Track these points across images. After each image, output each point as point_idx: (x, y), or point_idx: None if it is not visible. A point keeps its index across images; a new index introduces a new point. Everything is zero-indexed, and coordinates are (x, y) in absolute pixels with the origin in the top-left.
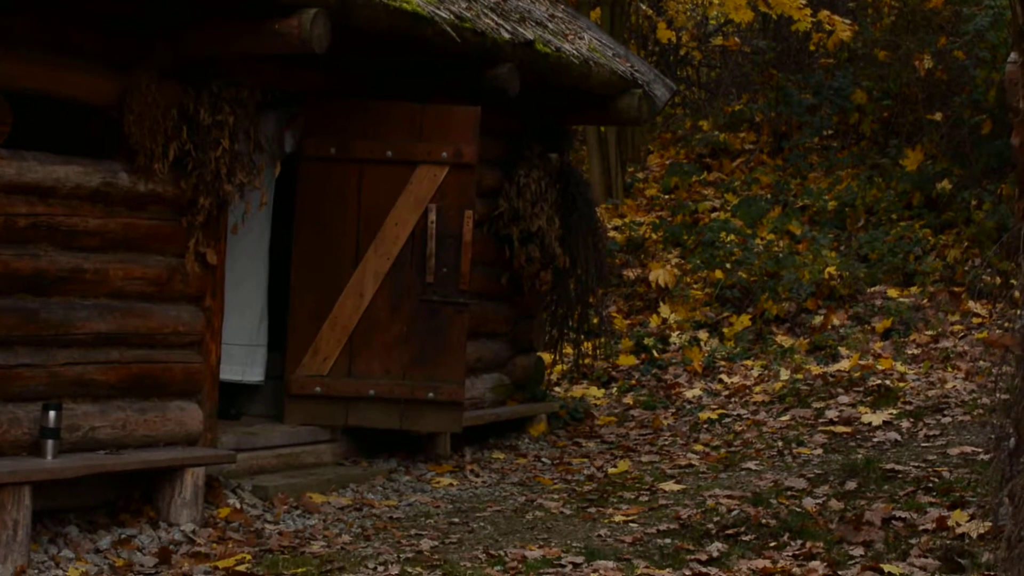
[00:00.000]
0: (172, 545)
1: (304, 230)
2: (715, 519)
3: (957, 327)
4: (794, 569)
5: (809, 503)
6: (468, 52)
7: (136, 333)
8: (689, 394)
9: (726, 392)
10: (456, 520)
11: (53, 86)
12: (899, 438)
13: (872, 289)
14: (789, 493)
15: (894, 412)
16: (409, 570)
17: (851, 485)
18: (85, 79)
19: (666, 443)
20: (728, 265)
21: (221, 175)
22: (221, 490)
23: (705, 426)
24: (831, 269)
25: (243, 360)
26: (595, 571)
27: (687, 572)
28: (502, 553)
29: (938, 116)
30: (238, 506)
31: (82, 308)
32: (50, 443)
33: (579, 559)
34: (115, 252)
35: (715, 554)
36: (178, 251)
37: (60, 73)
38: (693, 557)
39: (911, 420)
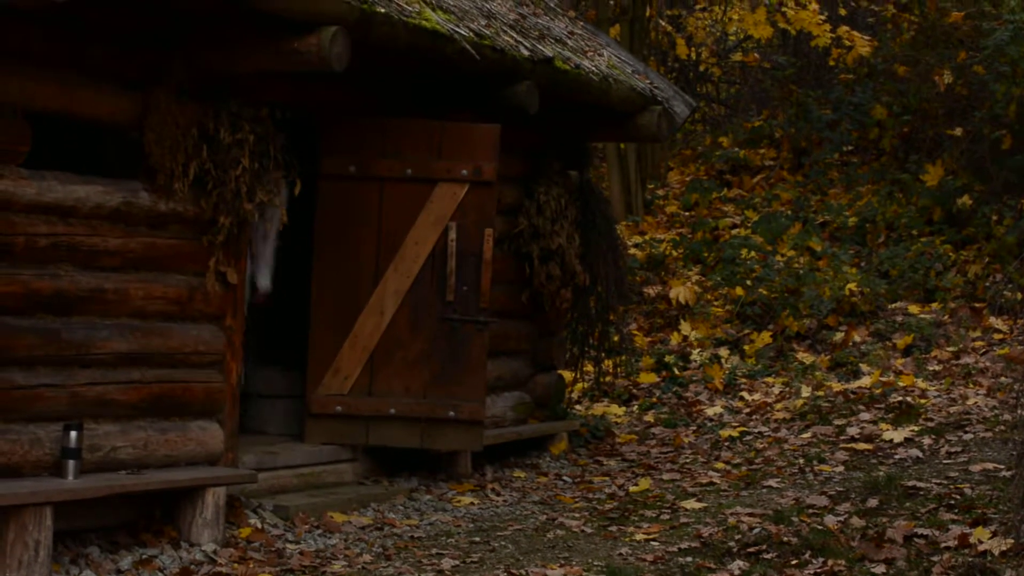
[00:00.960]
0: (193, 565)
1: (324, 248)
2: (736, 537)
3: (978, 343)
4: None
5: (831, 521)
6: (487, 69)
7: (157, 353)
8: (710, 412)
9: (747, 409)
10: (477, 539)
11: (72, 106)
12: (921, 455)
13: (893, 305)
14: (810, 511)
15: (915, 429)
16: None
17: (873, 502)
18: (104, 98)
19: (687, 461)
20: (748, 282)
21: (241, 194)
22: (242, 510)
23: (726, 444)
24: (852, 285)
25: None
26: None
27: None
28: (523, 572)
29: (958, 131)
30: (259, 526)
31: (103, 328)
32: (71, 463)
33: None
34: (136, 272)
35: (736, 572)
36: (199, 270)
37: (79, 92)
38: (714, 575)
39: (933, 437)
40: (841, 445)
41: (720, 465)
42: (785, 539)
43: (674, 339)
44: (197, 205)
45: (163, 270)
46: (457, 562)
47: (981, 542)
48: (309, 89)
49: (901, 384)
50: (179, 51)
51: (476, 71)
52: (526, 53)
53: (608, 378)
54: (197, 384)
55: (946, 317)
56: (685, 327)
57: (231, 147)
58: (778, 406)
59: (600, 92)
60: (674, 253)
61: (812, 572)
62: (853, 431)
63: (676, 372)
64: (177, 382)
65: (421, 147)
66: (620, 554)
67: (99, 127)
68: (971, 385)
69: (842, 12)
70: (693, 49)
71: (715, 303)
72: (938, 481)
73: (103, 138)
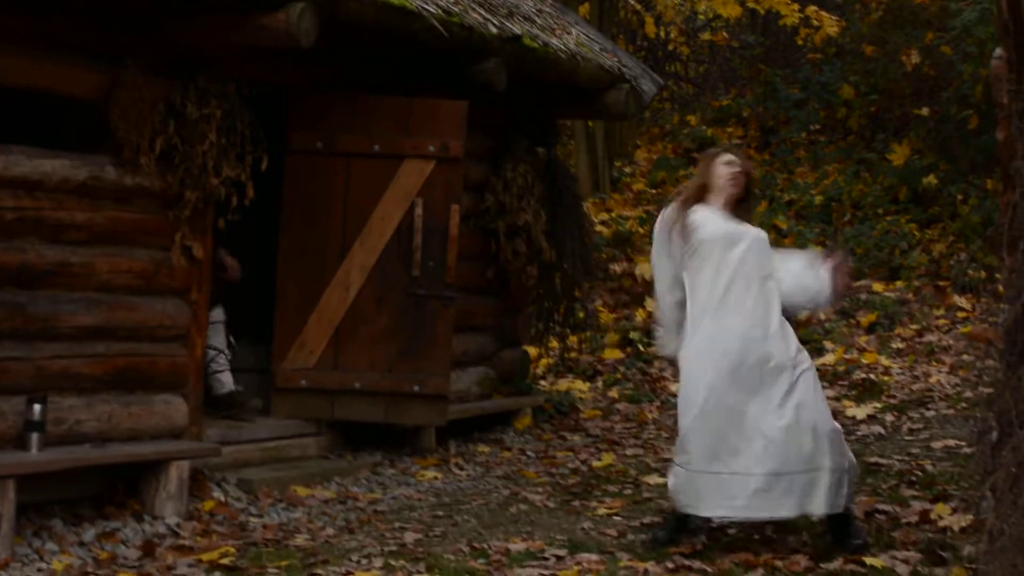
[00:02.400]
0: (156, 538)
1: (290, 223)
2: None
3: (942, 321)
4: (776, 562)
5: None
6: (456, 47)
7: (122, 326)
8: (674, 388)
9: None
10: (440, 513)
11: (40, 80)
12: (883, 432)
13: (858, 283)
14: None
15: (878, 406)
16: (393, 563)
17: None
18: (72, 73)
19: (651, 436)
20: None
21: (208, 169)
22: (206, 483)
23: None
24: None
25: None
26: (578, 564)
27: (670, 565)
28: (486, 546)
29: (925, 111)
30: (223, 499)
31: (69, 301)
32: (35, 436)
33: (562, 552)
34: (102, 246)
35: (698, 547)
36: (164, 245)
37: (47, 67)
38: (676, 550)
39: (895, 414)
40: None
41: None
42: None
43: (639, 316)
44: (163, 180)
45: (129, 244)
46: (420, 536)
47: (942, 518)
48: (277, 65)
49: (865, 361)
50: (148, 27)
51: (444, 48)
52: (494, 30)
53: (573, 354)
54: (162, 358)
55: (910, 295)
56: (651, 304)
57: (198, 122)
58: None
59: (568, 70)
60: (640, 230)
61: (774, 547)
62: None
63: (641, 348)
64: (142, 356)
65: (388, 123)
66: (583, 528)
67: (67, 102)
68: (934, 363)
69: None
70: (662, 28)
71: None
72: (900, 457)
73: (71, 113)
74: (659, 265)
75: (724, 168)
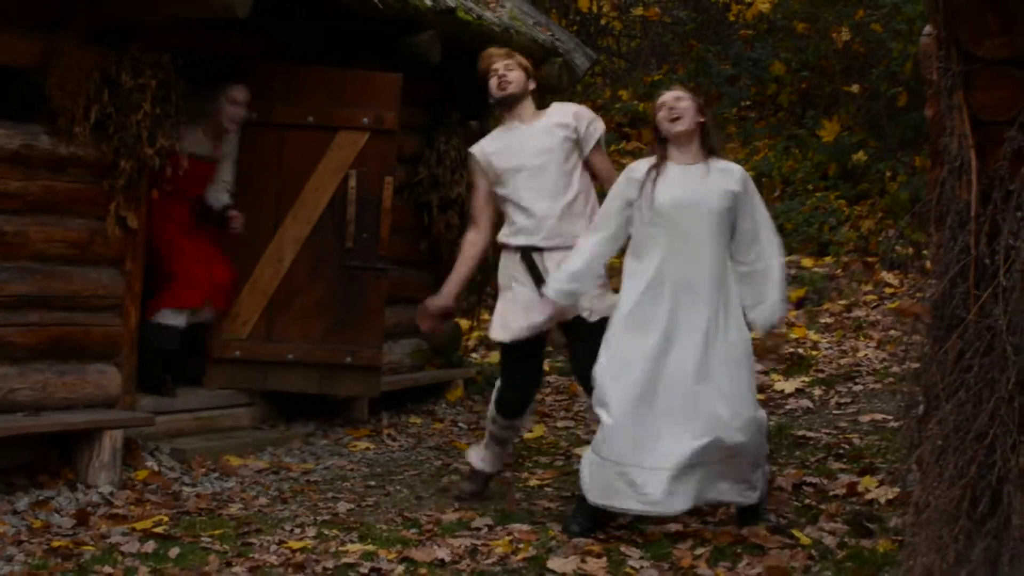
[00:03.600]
0: (90, 507)
1: None
2: None
3: (870, 297)
4: (706, 532)
5: None
6: (390, 18)
7: (56, 296)
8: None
9: None
10: (372, 483)
11: None
12: (811, 405)
13: (787, 259)
14: None
15: (806, 380)
16: (326, 532)
17: None
18: (6, 41)
19: (581, 409)
20: None
21: (142, 138)
22: (139, 452)
23: None
24: None
25: None
26: (509, 534)
27: (600, 535)
28: (417, 516)
29: (855, 88)
30: (156, 468)
31: (2, 270)
32: None
33: (493, 522)
34: (35, 215)
35: (628, 518)
36: (99, 214)
37: None
38: (611, 520)
39: (823, 388)
40: None
41: None
42: None
43: None
44: (98, 149)
45: (63, 214)
46: (352, 506)
47: (868, 491)
48: (213, 36)
49: (793, 336)
50: None
51: (378, 20)
52: (428, 3)
53: None
54: (96, 327)
55: (839, 271)
56: None
57: (132, 92)
58: None
59: (501, 43)
60: None
61: (701, 517)
62: None
63: None
64: (76, 325)
65: (323, 95)
66: (514, 499)
67: (2, 70)
68: (862, 338)
69: None
70: (595, 2)
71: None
72: (827, 431)
73: (4, 81)
74: (606, 216)
75: (660, 112)
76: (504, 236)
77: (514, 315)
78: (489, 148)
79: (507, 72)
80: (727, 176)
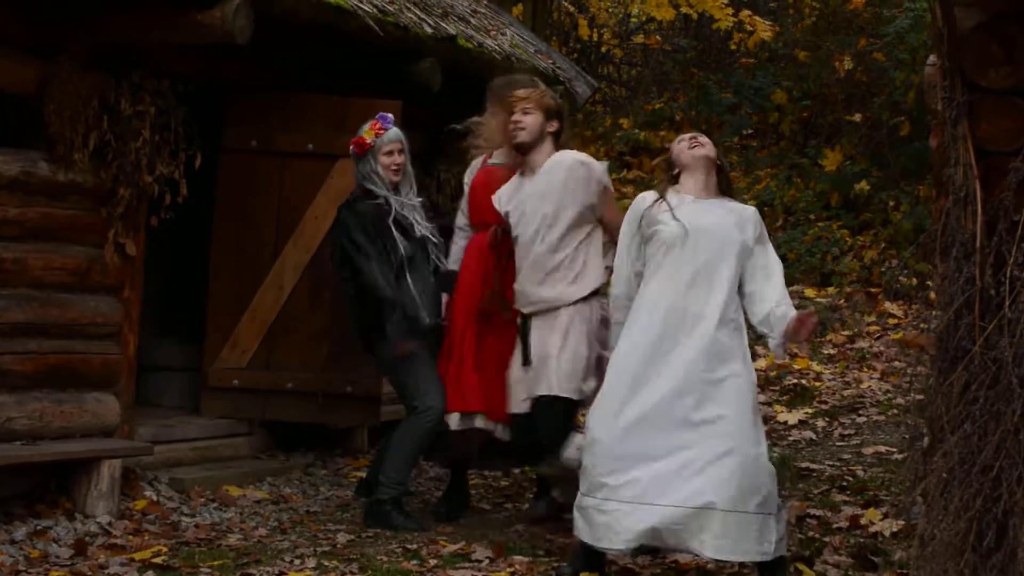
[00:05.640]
0: (88, 537)
1: (224, 222)
2: None
3: (873, 328)
4: (709, 566)
5: None
6: (391, 46)
7: (55, 324)
8: None
9: None
10: None
11: None
12: (815, 437)
13: (789, 289)
14: None
15: (810, 411)
16: (325, 563)
17: None
18: (5, 67)
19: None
20: None
21: (141, 166)
22: (138, 482)
23: None
24: None
25: None
26: (510, 566)
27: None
28: (418, 547)
29: (857, 117)
30: (155, 498)
31: (0, 298)
32: None
33: (494, 554)
34: (34, 242)
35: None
36: (97, 242)
37: None
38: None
39: (827, 419)
40: None
41: None
42: None
43: None
44: (97, 176)
45: (62, 241)
46: (352, 537)
47: (872, 523)
48: (213, 62)
49: (796, 367)
50: (83, 22)
51: (380, 47)
52: (429, 30)
53: None
54: (94, 356)
55: (842, 301)
56: None
57: (132, 119)
58: None
59: (502, 71)
60: None
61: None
62: None
63: None
64: (74, 353)
65: (323, 122)
66: (515, 531)
67: (1, 96)
68: (865, 369)
69: None
70: (595, 30)
71: None
72: (831, 463)
73: (5, 108)
74: (620, 255)
75: (681, 143)
76: None
77: None
78: (504, 199)
79: (522, 117)
80: (744, 213)
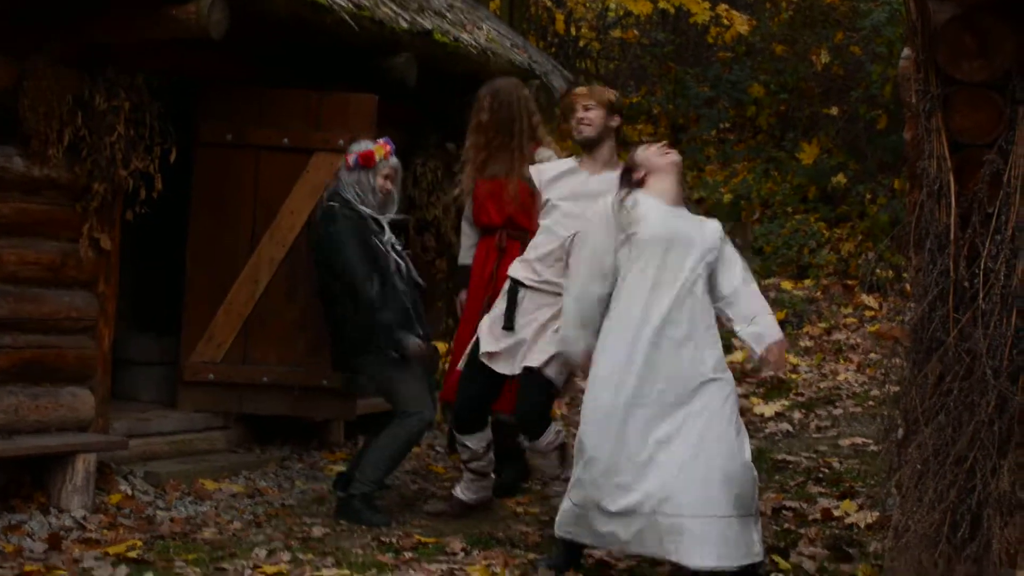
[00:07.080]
0: (63, 531)
1: (199, 216)
2: None
3: (850, 320)
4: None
5: None
6: (367, 41)
7: (30, 318)
8: (581, 384)
9: None
10: None
11: None
12: (791, 429)
13: (766, 281)
14: None
15: (786, 403)
16: (300, 556)
17: None
18: None
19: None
20: None
21: (116, 161)
22: (113, 476)
23: None
24: None
25: None
26: (485, 559)
27: (581, 562)
28: (393, 540)
29: (834, 111)
30: (130, 492)
31: None
32: None
33: (469, 546)
34: (9, 237)
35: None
36: (72, 236)
37: None
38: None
39: (803, 411)
40: None
41: None
42: None
43: None
44: (71, 171)
45: (36, 236)
46: (327, 530)
47: (848, 515)
48: (188, 57)
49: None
50: (58, 18)
51: (355, 42)
52: (405, 25)
53: None
54: (69, 350)
55: (819, 294)
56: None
57: (106, 114)
58: None
59: (478, 65)
60: None
61: None
62: None
63: None
64: (49, 348)
65: (299, 117)
66: (490, 523)
67: None
68: (842, 361)
69: None
70: (572, 25)
71: None
72: (807, 455)
73: None
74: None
75: (651, 148)
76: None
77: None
78: (547, 174)
79: (585, 113)
80: (710, 224)
